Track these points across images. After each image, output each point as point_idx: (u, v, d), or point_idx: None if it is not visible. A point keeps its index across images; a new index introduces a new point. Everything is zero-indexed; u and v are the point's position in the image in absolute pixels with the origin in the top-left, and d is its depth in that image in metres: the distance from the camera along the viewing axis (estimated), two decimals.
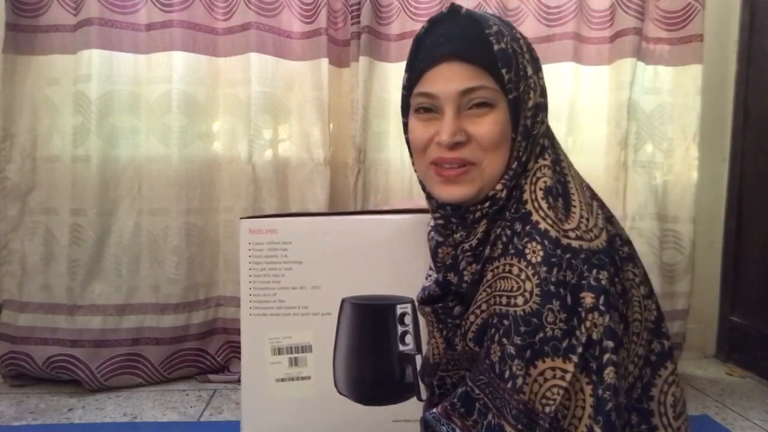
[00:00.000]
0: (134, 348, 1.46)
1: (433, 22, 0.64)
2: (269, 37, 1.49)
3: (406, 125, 0.68)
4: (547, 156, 0.62)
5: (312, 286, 0.83)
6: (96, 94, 1.43)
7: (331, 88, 1.52)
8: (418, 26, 1.53)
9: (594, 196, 0.63)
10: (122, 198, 1.47)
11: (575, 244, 0.54)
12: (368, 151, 1.55)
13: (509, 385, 0.52)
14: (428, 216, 0.81)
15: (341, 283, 0.82)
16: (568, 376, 0.50)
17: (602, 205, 0.62)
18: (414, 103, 0.65)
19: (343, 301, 0.82)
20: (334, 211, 1.53)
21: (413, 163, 0.69)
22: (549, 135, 0.66)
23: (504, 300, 0.55)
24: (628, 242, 0.61)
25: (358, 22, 1.50)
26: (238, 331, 1.54)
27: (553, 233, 0.55)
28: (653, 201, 1.57)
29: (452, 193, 0.62)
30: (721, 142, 1.75)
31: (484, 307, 0.59)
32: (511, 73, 0.59)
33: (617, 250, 0.58)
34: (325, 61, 1.50)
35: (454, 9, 0.63)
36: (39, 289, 1.46)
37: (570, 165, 0.65)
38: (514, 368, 0.52)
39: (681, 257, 1.59)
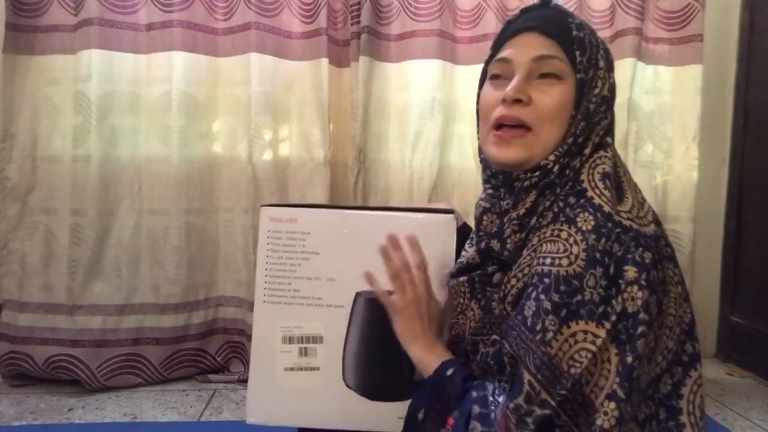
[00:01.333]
0: (134, 348, 1.46)
1: (524, 10, 0.69)
2: (269, 37, 1.49)
3: (479, 96, 0.71)
4: (608, 150, 0.65)
5: (327, 277, 0.83)
6: (96, 94, 1.43)
7: (331, 88, 1.52)
8: (418, 26, 1.54)
9: (644, 199, 0.66)
10: (122, 198, 1.47)
11: (626, 223, 0.57)
12: (368, 151, 1.55)
13: (538, 337, 0.54)
14: (447, 216, 0.82)
15: (356, 277, 0.82)
16: (599, 342, 0.52)
17: (651, 207, 0.65)
18: (489, 71, 0.68)
19: (357, 294, 0.83)
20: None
21: (478, 133, 0.71)
22: (611, 135, 0.68)
23: (548, 260, 0.57)
24: (670, 245, 0.64)
25: (358, 22, 1.50)
26: (238, 331, 1.56)
27: (606, 208, 0.57)
28: (653, 201, 1.57)
29: (505, 153, 0.63)
30: (721, 142, 1.75)
31: (526, 270, 0.61)
32: (584, 57, 0.63)
33: (662, 248, 0.60)
34: (325, 61, 1.50)
35: (546, 1, 0.68)
36: (39, 289, 1.46)
37: (626, 170, 0.68)
38: (546, 323, 0.53)
39: (681, 257, 1.59)
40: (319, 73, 1.51)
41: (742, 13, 1.71)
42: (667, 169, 1.58)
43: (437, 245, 0.82)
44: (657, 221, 0.63)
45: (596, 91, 0.63)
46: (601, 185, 0.60)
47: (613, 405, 0.51)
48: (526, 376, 0.53)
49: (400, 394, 0.83)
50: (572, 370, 0.52)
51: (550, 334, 0.53)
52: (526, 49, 0.63)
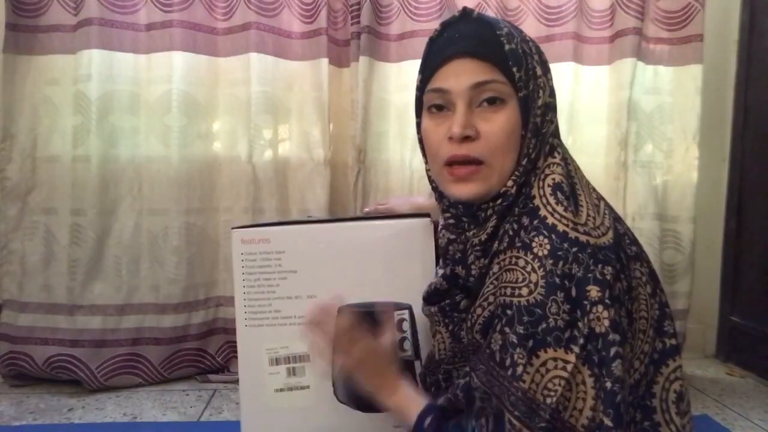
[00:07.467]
0: (134, 348, 1.46)
1: (446, 25, 0.65)
2: (269, 37, 1.49)
3: (418, 125, 0.69)
4: (556, 154, 0.63)
5: (308, 295, 0.82)
6: (96, 94, 1.43)
7: (331, 88, 1.52)
8: (418, 26, 1.54)
9: (600, 197, 0.64)
10: (122, 198, 1.47)
11: (582, 239, 0.55)
12: (368, 151, 1.55)
13: (509, 372, 0.53)
14: (423, 220, 0.81)
15: (337, 291, 0.82)
16: (570, 367, 0.51)
17: (608, 206, 0.63)
18: (426, 101, 0.66)
19: (339, 309, 0.82)
20: (332, 212, 1.53)
21: (426, 163, 0.69)
22: (557, 135, 0.67)
23: (509, 291, 0.56)
24: (635, 242, 0.62)
25: (358, 22, 1.50)
26: None
27: (560, 227, 0.56)
28: (653, 201, 1.57)
29: (464, 191, 0.62)
30: (721, 142, 1.75)
31: (491, 299, 0.60)
32: (521, 72, 0.60)
33: (624, 249, 0.59)
34: (325, 61, 1.50)
35: (467, 12, 0.64)
36: (39, 289, 1.46)
37: (577, 168, 0.66)
38: (515, 356, 0.52)
39: (681, 257, 1.59)
40: (319, 73, 1.51)
41: (742, 13, 1.70)
42: (667, 169, 1.58)
43: (417, 249, 0.81)
44: (617, 219, 0.61)
45: (539, 102, 0.62)
46: (552, 200, 0.58)
47: None
48: (506, 415, 0.52)
49: None
50: (548, 400, 0.51)
51: (520, 368, 0.52)
52: (462, 76, 0.60)
